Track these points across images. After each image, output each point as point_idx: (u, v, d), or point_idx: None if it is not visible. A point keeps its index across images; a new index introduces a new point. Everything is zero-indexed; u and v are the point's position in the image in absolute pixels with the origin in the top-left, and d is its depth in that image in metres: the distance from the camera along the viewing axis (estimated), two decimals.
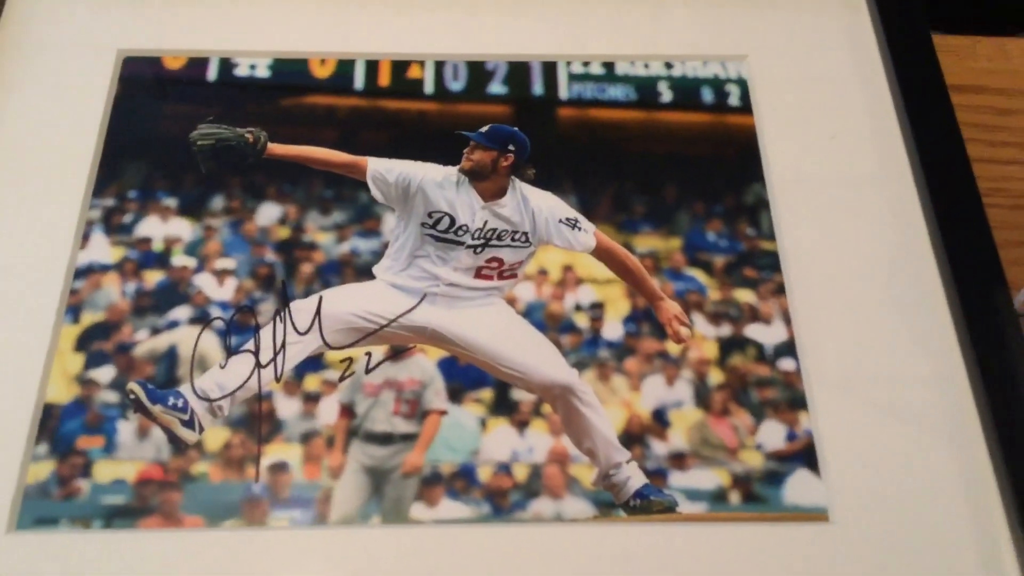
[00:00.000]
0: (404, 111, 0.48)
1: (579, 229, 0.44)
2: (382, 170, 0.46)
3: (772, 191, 0.45)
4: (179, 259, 0.44)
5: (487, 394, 0.41)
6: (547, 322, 0.42)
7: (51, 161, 0.46)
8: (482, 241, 0.43)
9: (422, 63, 0.49)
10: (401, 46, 0.49)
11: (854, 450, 0.39)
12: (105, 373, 0.41)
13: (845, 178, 0.46)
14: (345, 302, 0.43)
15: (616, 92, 0.49)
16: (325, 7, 0.50)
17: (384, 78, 0.49)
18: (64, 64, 0.48)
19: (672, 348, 0.42)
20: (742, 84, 0.49)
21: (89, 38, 0.49)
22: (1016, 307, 0.44)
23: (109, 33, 0.49)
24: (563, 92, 0.49)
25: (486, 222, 0.44)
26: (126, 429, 0.40)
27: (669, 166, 0.47)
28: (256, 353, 0.41)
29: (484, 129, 0.47)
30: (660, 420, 0.40)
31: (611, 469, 0.39)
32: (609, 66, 0.49)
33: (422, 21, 0.50)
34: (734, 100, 0.48)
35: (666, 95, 0.49)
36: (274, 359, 0.41)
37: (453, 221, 0.44)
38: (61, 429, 0.40)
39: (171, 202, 0.45)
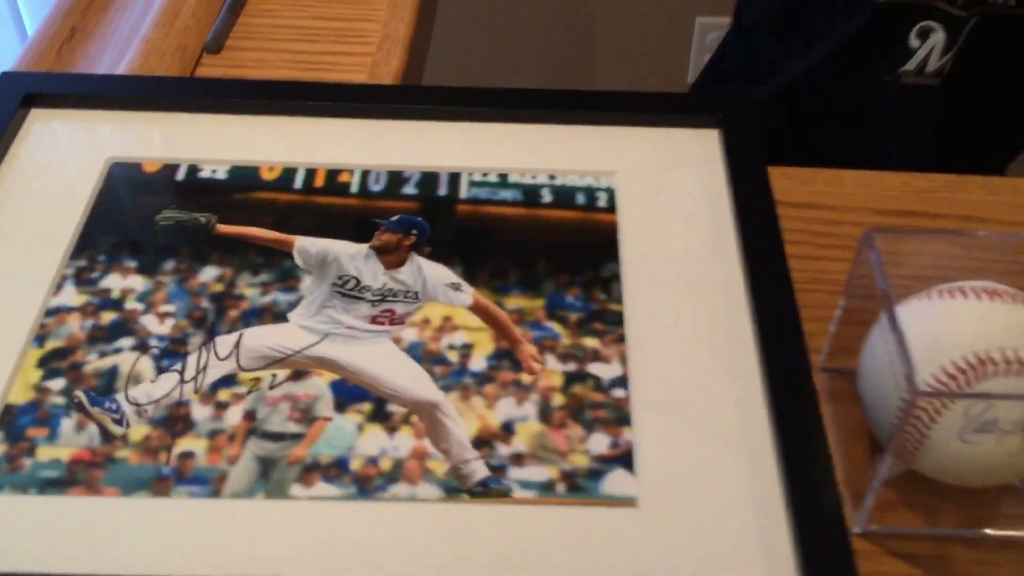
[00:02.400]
0: (332, 204, 0.59)
1: (460, 290, 0.54)
2: (307, 244, 0.57)
3: (623, 267, 0.55)
4: (130, 304, 0.54)
5: (367, 407, 0.49)
6: (424, 356, 0.51)
7: (41, 229, 0.57)
8: (380, 297, 0.53)
9: (351, 171, 0.61)
10: (335, 158, 0.61)
11: (664, 455, 0.47)
12: (57, 384, 0.50)
13: (683, 258, 0.56)
14: (261, 336, 0.52)
15: (506, 194, 0.60)
16: (276, 127, 0.63)
17: (319, 181, 0.61)
18: (62, 162, 0.61)
19: (525, 379, 0.51)
20: (610, 191, 0.60)
21: (85, 146, 0.62)
22: (821, 362, 0.53)
23: (101, 144, 0.62)
24: (463, 193, 0.60)
25: (385, 283, 0.55)
26: (68, 424, 0.49)
27: (542, 249, 0.57)
28: (181, 372, 0.51)
29: (394, 218, 0.58)
30: (507, 430, 0.49)
31: (460, 463, 0.47)
32: (503, 176, 0.60)
33: (353, 139, 0.62)
34: (602, 203, 0.59)
35: (547, 197, 0.60)
36: (195, 377, 0.51)
37: (358, 282, 0.54)
38: (15, 423, 0.49)
39: (132, 264, 0.56)
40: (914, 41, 0.90)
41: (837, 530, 0.43)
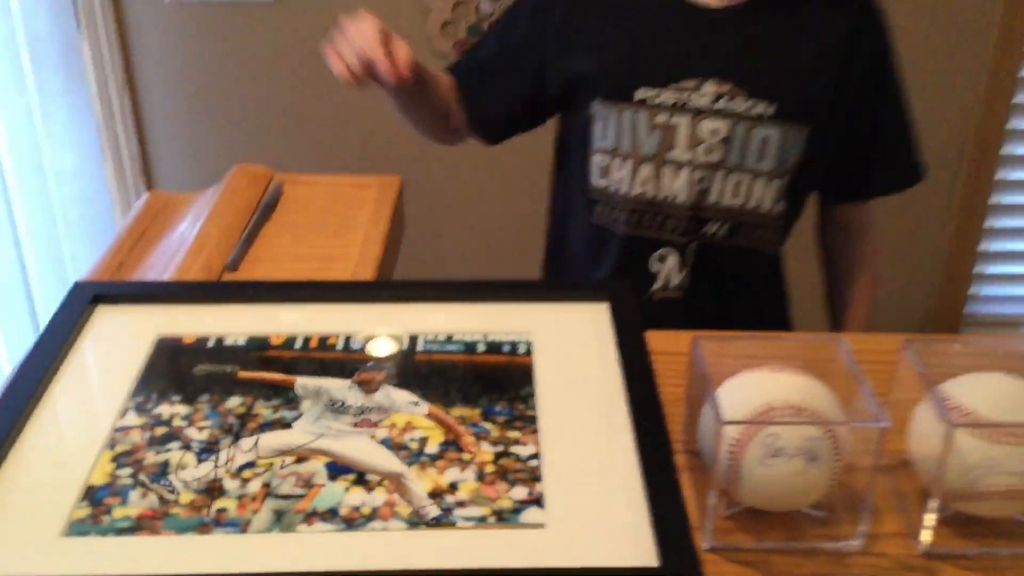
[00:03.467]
0: (324, 357, 0.81)
1: (418, 405, 0.75)
2: (305, 381, 0.78)
3: (537, 388, 0.77)
4: (176, 422, 0.75)
5: (352, 477, 0.69)
6: (393, 446, 0.72)
7: (110, 381, 0.78)
8: (360, 412, 0.75)
9: (338, 336, 0.83)
10: (325, 329, 0.84)
11: (563, 499, 0.67)
12: (125, 472, 0.70)
13: (580, 383, 0.78)
14: (273, 437, 0.73)
15: (452, 347, 0.82)
16: (279, 312, 0.85)
17: (314, 343, 0.83)
18: (124, 338, 0.83)
19: (466, 456, 0.71)
20: (528, 343, 0.82)
21: (139, 328, 0.84)
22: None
23: (151, 326, 0.84)
24: (419, 348, 0.82)
25: (363, 404, 0.76)
26: (134, 494, 0.68)
27: (479, 378, 0.79)
28: (216, 460, 0.71)
29: (369, 363, 0.80)
30: (453, 487, 0.69)
31: (419, 508, 0.67)
32: (449, 336, 0.83)
33: (339, 317, 0.84)
34: (522, 350, 0.82)
35: (481, 347, 0.82)
36: (226, 463, 0.71)
37: (344, 403, 0.76)
38: (96, 496, 0.68)
39: (176, 398, 0.77)
40: (655, 265, 1.16)
41: (686, 542, 0.62)
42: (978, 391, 0.65)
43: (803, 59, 1.13)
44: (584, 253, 1.18)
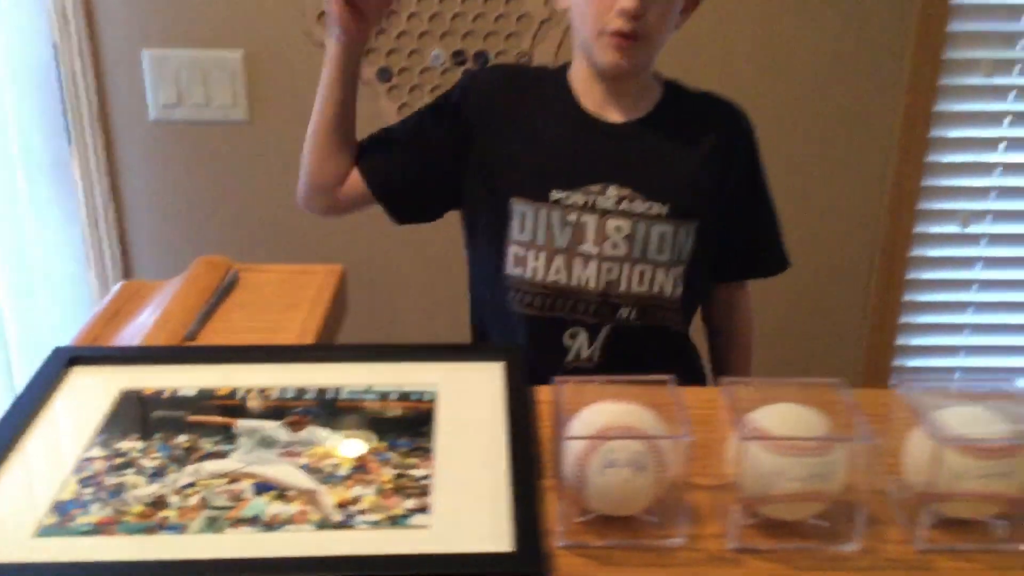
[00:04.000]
0: (263, 405, 0.98)
1: (335, 439, 0.92)
2: (244, 422, 0.94)
3: (435, 427, 0.94)
4: (133, 454, 0.90)
5: (274, 492, 0.85)
6: (311, 470, 0.88)
7: (79, 424, 0.94)
8: (287, 446, 0.91)
9: (274, 388, 1.00)
10: (262, 383, 1.00)
11: (446, 509, 0.83)
12: (88, 490, 0.86)
13: (471, 423, 0.94)
14: (210, 465, 0.89)
15: (369, 396, 0.99)
16: (227, 371, 1.02)
17: (253, 395, 0.99)
18: (94, 390, 0.99)
19: (369, 477, 0.87)
20: (433, 393, 0.99)
21: (106, 384, 1.00)
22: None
23: (116, 382, 1.01)
24: (342, 396, 0.99)
25: (291, 440, 0.92)
26: (95, 507, 0.84)
27: (389, 420, 0.95)
28: (163, 482, 0.87)
29: (298, 408, 0.96)
30: (356, 500, 0.84)
31: (328, 514, 0.82)
32: (368, 387, 1.00)
33: (274, 374, 1.01)
34: (426, 398, 0.98)
35: (393, 396, 0.99)
36: (172, 484, 0.86)
37: (275, 439, 0.92)
38: (64, 508, 0.83)
39: (135, 435, 0.93)
40: (567, 340, 1.33)
41: (535, 538, 0.78)
42: (772, 416, 0.82)
43: (690, 166, 1.33)
44: (500, 330, 1.36)
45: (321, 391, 0.99)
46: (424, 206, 1.41)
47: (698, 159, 1.33)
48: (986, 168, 2.18)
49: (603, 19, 1.22)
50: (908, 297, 2.25)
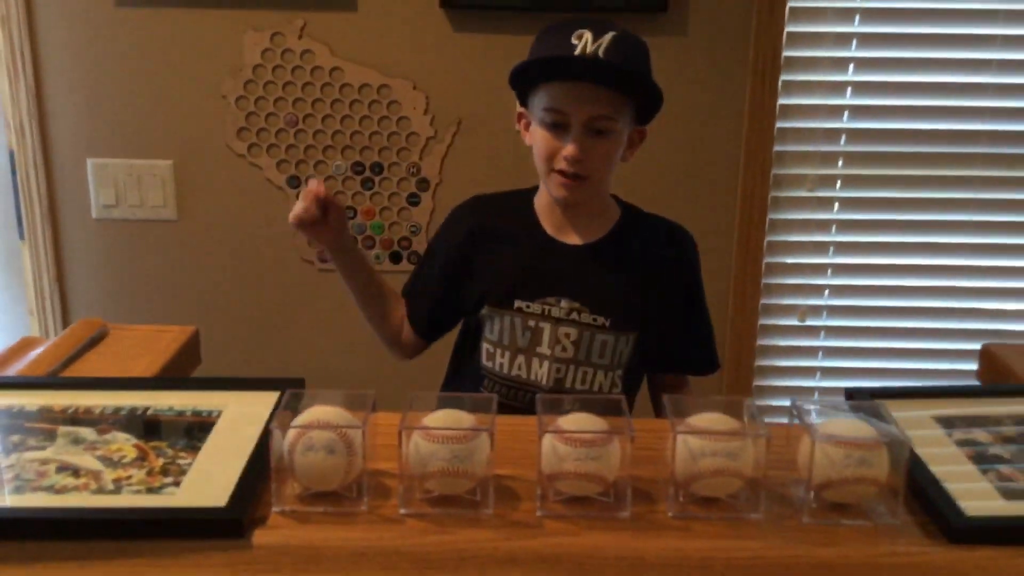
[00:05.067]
0: (86, 417, 1.27)
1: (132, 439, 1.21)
2: (64, 429, 1.24)
3: (211, 434, 1.23)
4: None
5: (69, 472, 1.14)
6: (103, 457, 1.17)
7: None
8: (92, 444, 1.20)
9: (99, 407, 1.29)
10: (91, 403, 1.30)
11: (194, 483, 1.12)
12: None
13: (242, 427, 1.23)
14: (29, 454, 1.18)
15: (171, 412, 1.28)
16: (66, 394, 1.32)
17: (82, 410, 1.29)
18: None
19: (146, 464, 1.16)
20: (220, 411, 1.28)
21: None
22: None
23: None
24: (150, 412, 1.28)
25: (96, 439, 1.21)
26: None
27: (180, 427, 1.24)
28: None
29: (110, 420, 1.26)
30: (129, 477, 1.13)
31: (104, 486, 1.11)
32: (171, 407, 1.29)
33: (105, 396, 1.31)
34: (215, 414, 1.28)
35: (188, 413, 1.28)
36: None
37: (83, 439, 1.21)
38: None
39: None
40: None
41: (247, 500, 1.06)
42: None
43: (632, 287, 1.61)
44: None
45: (133, 409, 1.28)
46: (452, 325, 1.73)
47: (640, 281, 1.61)
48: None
49: (552, 161, 1.50)
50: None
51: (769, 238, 2.44)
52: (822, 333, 2.52)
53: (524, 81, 1.46)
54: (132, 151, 2.45)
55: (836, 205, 2.42)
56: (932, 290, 2.47)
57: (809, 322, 2.49)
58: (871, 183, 2.40)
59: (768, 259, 2.45)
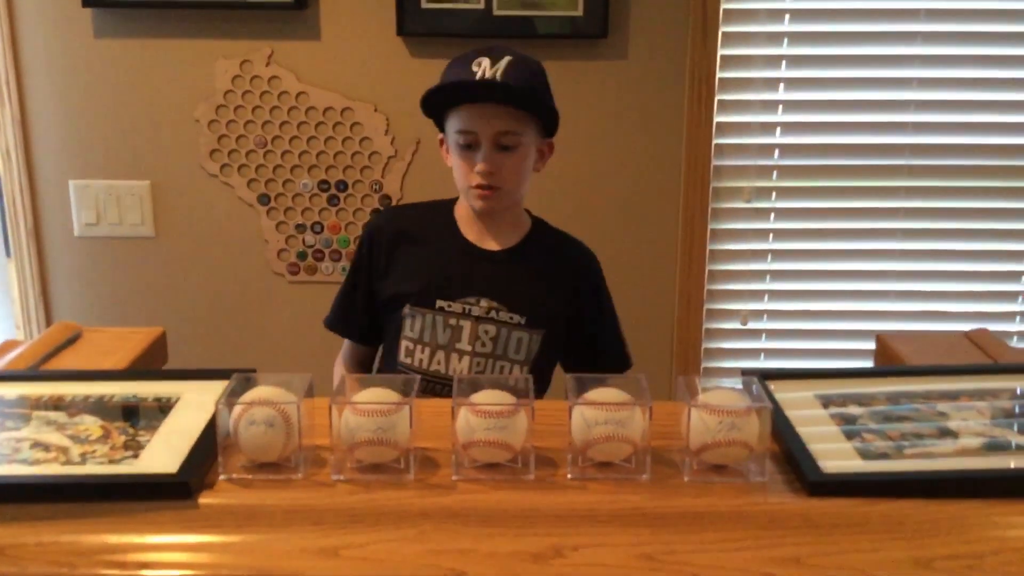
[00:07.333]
0: (58, 403, 1.42)
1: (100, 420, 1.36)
2: (38, 414, 1.39)
3: (168, 415, 1.38)
4: None
5: (41, 448, 1.29)
6: (71, 436, 1.32)
7: None
8: (62, 425, 1.35)
9: (69, 395, 1.45)
10: (62, 392, 1.46)
11: (152, 456, 1.27)
12: None
13: (192, 414, 1.38)
14: (5, 434, 1.33)
15: (132, 399, 1.44)
16: (43, 385, 1.47)
17: (55, 398, 1.44)
18: None
19: (110, 441, 1.31)
20: (178, 398, 1.44)
21: None
22: None
23: None
24: (116, 399, 1.44)
25: (66, 421, 1.37)
26: None
27: (139, 411, 1.40)
28: None
29: (80, 405, 1.41)
30: (94, 452, 1.29)
31: (71, 459, 1.26)
32: (134, 395, 1.45)
33: (75, 385, 1.46)
34: (174, 400, 1.43)
35: (149, 400, 1.44)
36: None
37: (55, 421, 1.37)
38: None
39: None
40: None
41: (197, 468, 1.21)
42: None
43: (543, 290, 1.79)
44: None
45: (101, 396, 1.44)
46: (372, 329, 1.89)
47: (549, 285, 1.79)
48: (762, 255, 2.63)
49: (468, 177, 1.68)
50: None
51: (711, 247, 2.59)
52: (763, 336, 2.67)
53: (435, 107, 1.63)
54: (111, 173, 2.60)
55: (772, 215, 2.58)
56: (864, 294, 2.63)
57: (751, 325, 2.65)
58: (804, 194, 2.57)
59: (711, 267, 2.61)
